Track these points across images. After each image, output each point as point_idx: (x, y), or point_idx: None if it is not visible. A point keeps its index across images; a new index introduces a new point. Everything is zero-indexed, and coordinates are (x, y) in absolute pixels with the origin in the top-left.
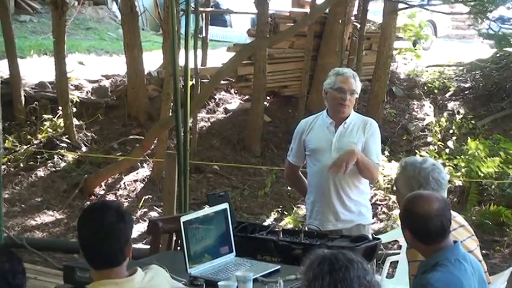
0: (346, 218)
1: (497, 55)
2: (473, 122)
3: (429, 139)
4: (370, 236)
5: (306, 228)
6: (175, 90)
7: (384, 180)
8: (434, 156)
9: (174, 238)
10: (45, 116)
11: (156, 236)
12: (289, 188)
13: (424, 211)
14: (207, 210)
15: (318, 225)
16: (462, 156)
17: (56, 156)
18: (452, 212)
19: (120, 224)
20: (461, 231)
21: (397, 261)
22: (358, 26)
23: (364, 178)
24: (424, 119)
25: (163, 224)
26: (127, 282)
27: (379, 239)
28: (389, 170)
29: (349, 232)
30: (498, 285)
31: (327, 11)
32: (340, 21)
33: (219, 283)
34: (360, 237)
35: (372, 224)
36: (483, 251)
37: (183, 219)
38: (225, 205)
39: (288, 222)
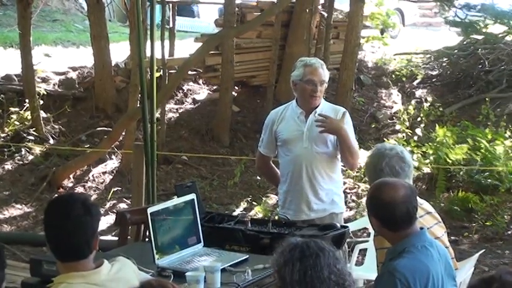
0: (318, 208)
1: (464, 42)
2: (441, 109)
3: (397, 127)
4: (342, 225)
5: (276, 218)
6: (141, 82)
7: None
8: (403, 144)
9: (143, 229)
10: (12, 109)
11: (124, 228)
12: (258, 177)
13: (390, 198)
14: (174, 201)
15: (292, 215)
16: (430, 144)
17: (23, 149)
18: (419, 199)
19: (87, 217)
20: (428, 218)
21: (366, 249)
22: (325, 14)
23: (345, 163)
24: (392, 107)
25: (131, 215)
26: (94, 275)
27: (346, 227)
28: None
29: (321, 222)
30: (465, 270)
31: (294, 0)
32: (307, 10)
33: (186, 274)
34: (327, 225)
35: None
36: (452, 237)
37: (150, 210)
38: (192, 195)
39: (257, 212)
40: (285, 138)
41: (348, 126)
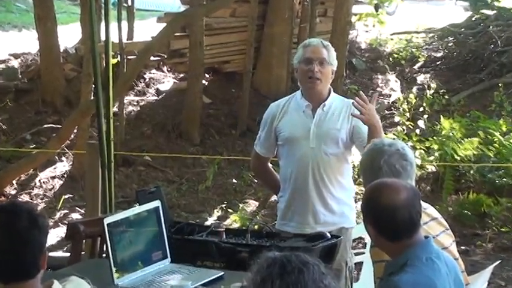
0: (327, 220)
1: (473, 19)
2: (446, 97)
3: (396, 119)
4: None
5: (256, 227)
6: (94, 70)
7: None
8: (403, 139)
9: (99, 244)
10: None
11: (77, 242)
12: (234, 180)
13: (390, 202)
14: (136, 209)
15: (294, 228)
16: (435, 138)
17: None
18: (423, 203)
19: (33, 230)
20: (434, 225)
21: (362, 262)
22: None
23: None
24: (390, 96)
25: (85, 227)
26: None
27: (339, 236)
28: (351, 155)
29: None
30: (478, 286)
31: None
32: None
33: None
34: (316, 235)
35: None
36: (462, 247)
37: (107, 220)
38: (156, 203)
39: (234, 221)
40: (287, 136)
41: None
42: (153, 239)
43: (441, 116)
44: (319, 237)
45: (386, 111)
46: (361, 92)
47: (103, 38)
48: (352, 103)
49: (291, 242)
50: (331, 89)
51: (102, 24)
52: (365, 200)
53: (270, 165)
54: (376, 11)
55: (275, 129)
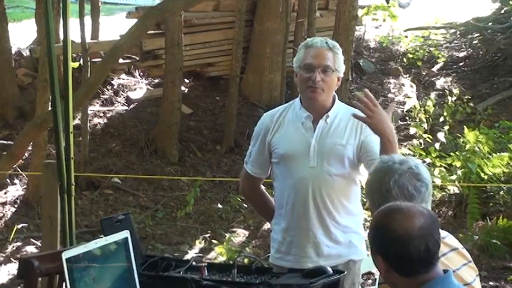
0: (331, 252)
1: (501, 11)
2: (471, 104)
3: (412, 130)
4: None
5: (245, 261)
6: (51, 75)
7: None
8: (420, 154)
9: (57, 282)
10: None
11: (31, 281)
12: (220, 205)
13: (403, 230)
14: (101, 241)
15: (293, 262)
16: (458, 153)
17: None
18: (441, 231)
19: None
20: (454, 257)
21: None
22: None
23: None
24: (404, 103)
25: (41, 263)
26: None
27: (342, 272)
28: (360, 175)
29: None
30: None
31: None
32: None
33: None
34: (314, 270)
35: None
36: (490, 283)
37: (67, 255)
38: (125, 233)
39: (219, 254)
40: (283, 153)
41: (373, 135)
42: (121, 276)
43: (465, 127)
44: (318, 272)
45: (400, 122)
46: (366, 89)
47: (62, 37)
48: (353, 101)
49: (285, 278)
50: (336, 97)
51: (61, 20)
52: (373, 228)
53: (262, 187)
54: (388, 3)
55: (269, 144)
